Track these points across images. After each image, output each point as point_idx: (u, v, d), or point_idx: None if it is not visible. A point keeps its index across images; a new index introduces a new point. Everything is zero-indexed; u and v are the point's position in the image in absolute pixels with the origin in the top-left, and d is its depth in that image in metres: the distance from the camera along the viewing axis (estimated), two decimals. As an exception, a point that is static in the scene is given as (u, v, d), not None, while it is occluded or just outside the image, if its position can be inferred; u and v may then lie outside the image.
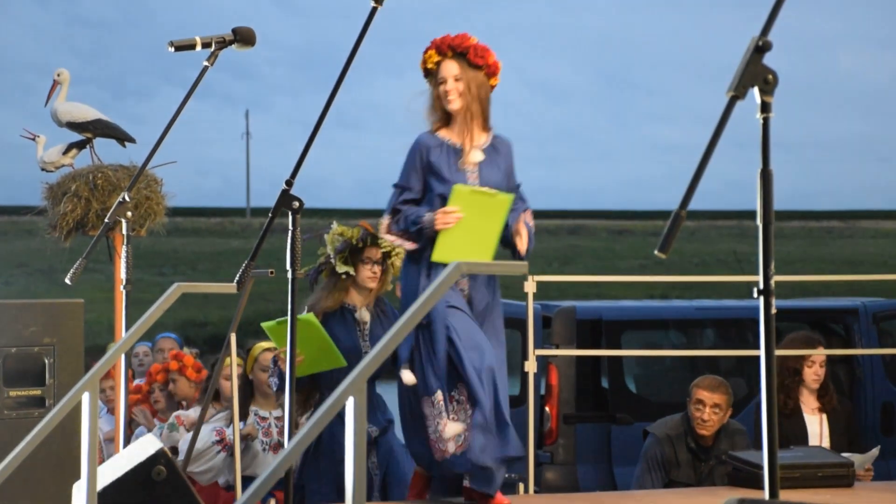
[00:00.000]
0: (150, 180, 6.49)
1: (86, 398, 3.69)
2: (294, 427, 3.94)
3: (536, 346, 5.80)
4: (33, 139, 6.69)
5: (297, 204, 3.82)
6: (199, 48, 4.49)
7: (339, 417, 4.94)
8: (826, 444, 6.26)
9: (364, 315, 5.31)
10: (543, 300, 7.55)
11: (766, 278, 2.42)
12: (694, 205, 2.39)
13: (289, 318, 3.90)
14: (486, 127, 4.85)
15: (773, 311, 2.43)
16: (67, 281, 4.77)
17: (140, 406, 7.07)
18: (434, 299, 2.70)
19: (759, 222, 2.42)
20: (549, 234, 39.69)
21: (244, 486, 5.55)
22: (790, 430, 6.27)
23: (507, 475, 4.89)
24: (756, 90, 2.39)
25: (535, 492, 5.74)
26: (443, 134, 4.82)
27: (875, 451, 5.96)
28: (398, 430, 5.14)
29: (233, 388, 5.72)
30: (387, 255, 5.32)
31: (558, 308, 7.50)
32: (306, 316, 5.05)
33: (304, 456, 5.36)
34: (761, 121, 2.41)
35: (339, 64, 3.94)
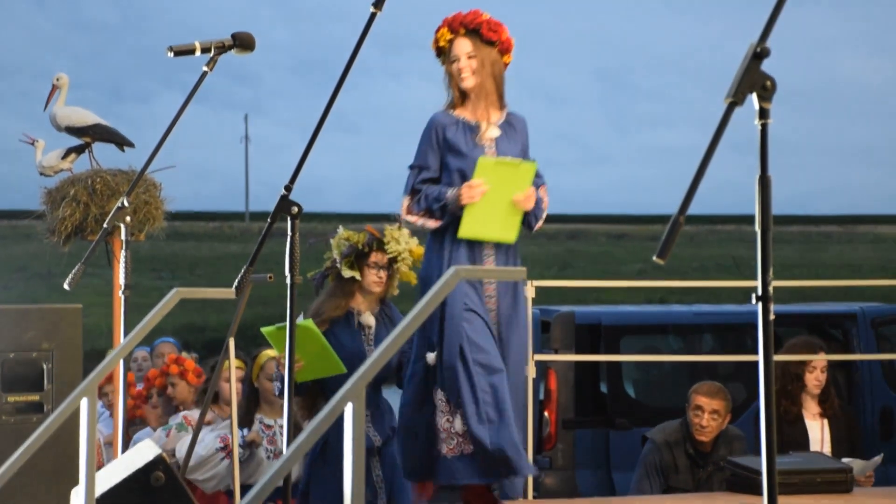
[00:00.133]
0: (149, 185, 6.49)
1: (84, 403, 3.69)
2: (292, 433, 3.93)
3: (535, 351, 5.80)
4: (32, 144, 6.69)
5: (295, 209, 3.82)
6: (198, 53, 4.49)
7: None
8: (827, 449, 6.26)
9: (369, 320, 5.30)
10: (542, 305, 7.55)
11: (765, 284, 2.42)
12: (693, 209, 2.39)
13: (287, 322, 3.90)
14: (500, 104, 4.80)
15: (772, 317, 2.43)
16: (66, 286, 4.77)
17: (138, 411, 7.06)
18: (432, 306, 2.70)
19: (757, 228, 2.42)
20: (548, 239, 39.69)
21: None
22: (792, 435, 6.26)
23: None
24: (754, 96, 2.39)
25: (534, 497, 5.74)
26: (458, 112, 4.76)
27: (877, 459, 5.96)
28: None
29: (231, 391, 5.71)
30: (393, 261, 5.31)
31: (557, 313, 7.50)
32: (305, 322, 5.05)
33: (309, 462, 5.35)
34: (759, 127, 2.41)
35: (338, 68, 3.94)
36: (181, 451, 5.97)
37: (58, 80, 6.63)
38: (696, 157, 2.39)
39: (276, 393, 5.35)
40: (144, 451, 4.18)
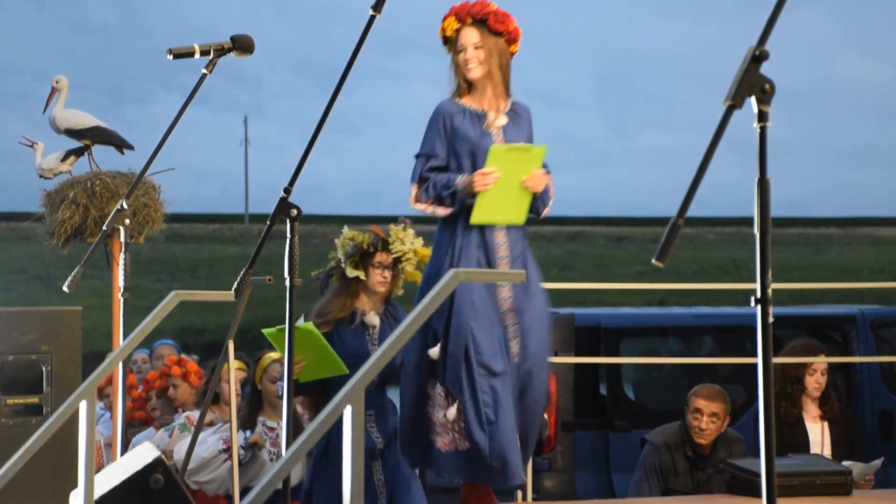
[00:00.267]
0: (149, 187, 6.49)
1: (83, 406, 3.69)
2: (293, 434, 3.93)
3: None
4: (31, 146, 6.69)
5: (295, 212, 3.82)
6: (197, 56, 4.49)
7: None
8: (827, 452, 6.26)
9: (373, 319, 5.29)
10: (542, 307, 7.53)
11: (764, 287, 2.42)
12: (692, 212, 2.39)
13: (286, 325, 3.90)
14: (506, 93, 4.78)
15: (771, 319, 2.44)
16: (65, 288, 4.77)
17: (136, 413, 7.06)
18: (431, 308, 2.70)
19: (756, 231, 2.42)
20: (548, 241, 39.68)
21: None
22: (792, 438, 6.26)
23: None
24: (753, 99, 2.39)
25: (534, 499, 5.74)
26: (464, 101, 4.74)
27: (878, 463, 5.96)
28: None
29: (231, 394, 5.71)
30: (397, 261, 5.30)
31: (557, 315, 7.50)
32: (305, 325, 5.04)
33: (314, 464, 5.35)
34: (758, 130, 2.41)
35: (337, 71, 3.94)
36: (180, 454, 5.97)
37: (57, 82, 6.63)
38: (696, 160, 2.39)
39: (279, 394, 5.35)
40: (143, 453, 4.17)
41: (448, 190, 4.62)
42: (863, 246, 44.57)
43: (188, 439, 6.15)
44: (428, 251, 5.31)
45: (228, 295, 3.94)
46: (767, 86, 2.39)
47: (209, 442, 6.01)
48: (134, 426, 7.00)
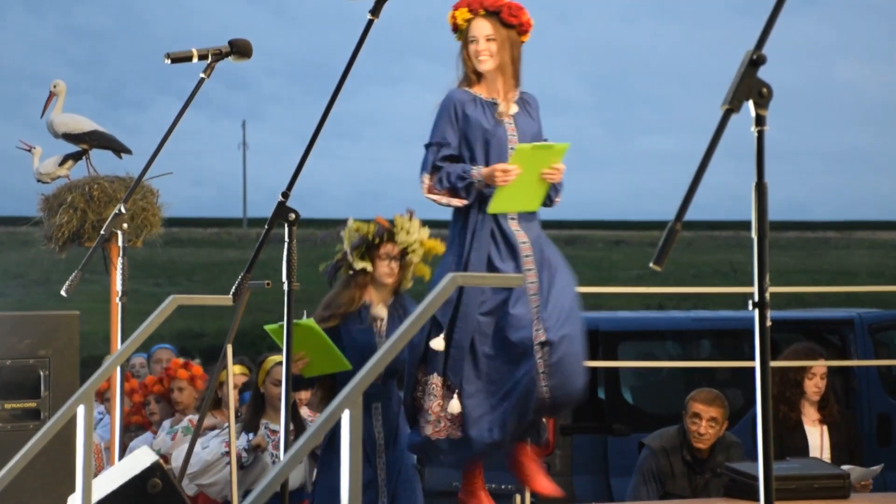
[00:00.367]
0: (146, 191, 6.49)
1: (81, 411, 3.68)
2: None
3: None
4: (29, 150, 6.69)
5: (293, 215, 3.82)
6: (195, 60, 4.49)
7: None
8: (827, 456, 6.26)
9: (381, 312, 5.24)
10: (540, 311, 7.53)
11: (761, 290, 2.42)
12: (690, 215, 2.39)
13: (284, 328, 3.90)
14: (516, 83, 4.74)
15: (769, 323, 2.44)
16: (63, 292, 4.77)
17: (133, 417, 7.05)
18: (429, 311, 2.70)
19: (753, 234, 2.42)
20: (546, 245, 39.57)
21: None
22: (791, 441, 6.26)
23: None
24: (751, 103, 2.39)
25: (532, 503, 5.73)
26: (474, 90, 4.70)
27: (877, 469, 5.96)
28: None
29: (229, 397, 5.71)
30: (405, 252, 5.24)
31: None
32: (306, 322, 5.01)
33: (318, 466, 5.33)
34: (756, 134, 2.41)
35: (335, 75, 3.94)
36: (178, 459, 5.96)
37: (55, 86, 6.63)
38: (694, 164, 2.39)
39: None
40: (141, 457, 4.17)
41: (464, 181, 4.57)
42: (860, 249, 44.57)
43: (197, 441, 6.15)
44: (434, 242, 5.28)
45: (226, 299, 3.94)
46: (765, 90, 2.40)
47: (212, 445, 6.00)
48: (131, 430, 7.00)
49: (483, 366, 4.54)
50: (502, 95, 4.69)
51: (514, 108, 4.71)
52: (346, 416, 2.58)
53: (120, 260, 4.83)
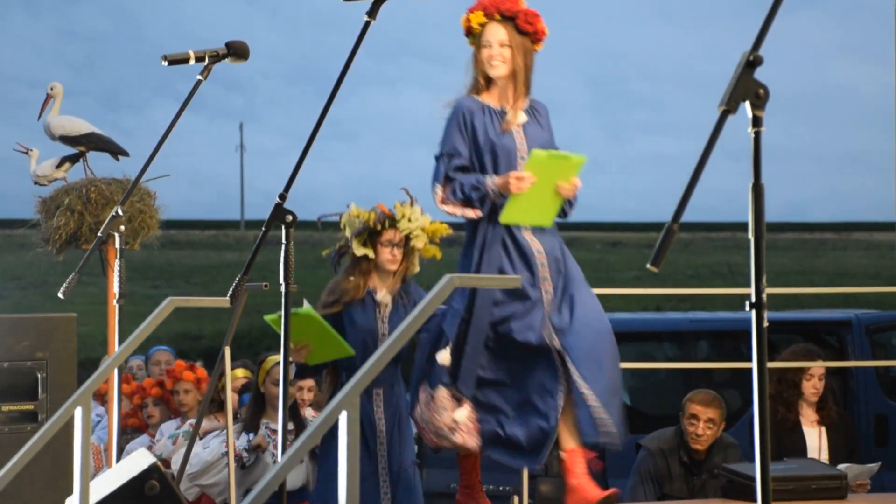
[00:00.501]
0: (144, 193, 6.49)
1: (78, 413, 3.68)
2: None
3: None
4: (26, 153, 6.69)
5: (290, 217, 3.82)
6: (192, 62, 4.49)
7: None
8: (825, 457, 6.26)
9: (385, 298, 5.22)
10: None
11: (758, 292, 2.42)
12: (688, 217, 2.39)
13: (282, 331, 3.89)
14: (526, 93, 4.68)
15: (766, 324, 2.44)
16: (60, 295, 4.77)
17: (130, 420, 7.04)
18: (426, 314, 2.70)
19: (750, 235, 2.43)
20: (543, 247, 39.55)
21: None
22: (790, 442, 6.27)
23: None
24: (748, 104, 2.40)
25: (530, 504, 5.74)
26: (483, 97, 4.65)
27: (874, 467, 5.96)
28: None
29: (227, 399, 5.71)
30: (408, 238, 5.20)
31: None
32: (305, 310, 4.97)
33: (320, 466, 5.32)
34: (752, 135, 2.42)
35: (332, 77, 3.94)
36: (179, 464, 5.96)
37: (52, 89, 6.63)
38: (691, 165, 2.39)
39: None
40: (139, 459, 4.17)
41: (478, 192, 4.52)
42: (858, 251, 44.59)
43: (199, 444, 6.14)
44: (437, 225, 5.24)
45: (224, 301, 3.94)
46: (762, 91, 2.40)
47: (212, 445, 6.00)
48: (127, 433, 6.99)
49: (494, 375, 4.51)
50: (511, 104, 4.64)
51: (523, 118, 4.65)
52: (343, 418, 2.58)
53: (117, 262, 4.83)
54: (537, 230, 4.60)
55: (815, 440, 6.38)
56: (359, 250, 5.15)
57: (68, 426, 3.77)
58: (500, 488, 7.39)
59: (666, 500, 5.98)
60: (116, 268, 4.83)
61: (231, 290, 3.84)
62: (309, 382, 6.36)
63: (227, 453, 6.02)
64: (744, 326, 7.64)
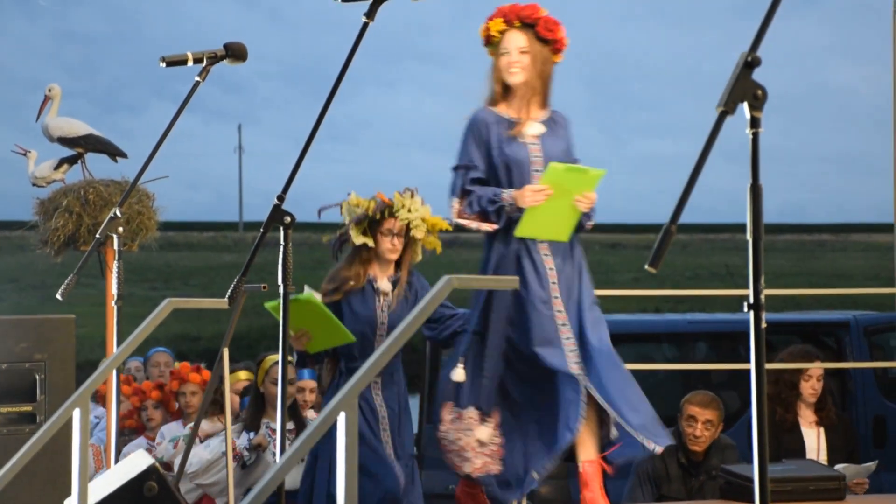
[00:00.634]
0: (142, 195, 6.49)
1: (76, 414, 3.68)
2: (283, 434, 3.92)
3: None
4: (24, 154, 6.69)
5: (288, 219, 3.82)
6: (190, 63, 4.49)
7: (370, 447, 4.91)
8: (823, 458, 6.26)
9: (385, 286, 5.20)
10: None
11: (757, 292, 2.43)
12: (686, 218, 2.39)
13: (280, 331, 3.89)
14: (544, 104, 4.63)
15: (764, 325, 2.44)
16: (59, 296, 4.77)
17: (127, 421, 7.03)
18: (424, 316, 2.69)
19: (748, 237, 2.43)
20: (542, 248, 39.54)
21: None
22: (788, 444, 6.27)
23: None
24: (746, 105, 2.40)
25: (528, 506, 5.73)
26: (500, 109, 4.60)
27: (871, 465, 5.96)
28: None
29: (225, 401, 5.70)
30: (409, 228, 5.15)
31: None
32: (306, 295, 4.94)
33: (325, 467, 5.32)
34: (751, 136, 2.42)
35: (330, 78, 3.94)
36: (178, 467, 5.95)
37: (50, 90, 6.63)
38: (689, 166, 2.40)
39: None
40: (137, 461, 4.17)
41: (494, 205, 4.48)
42: (856, 252, 44.62)
43: (200, 447, 6.14)
44: (437, 219, 5.20)
45: (222, 302, 3.94)
46: (759, 92, 2.40)
47: (213, 444, 6.00)
48: (125, 435, 6.98)
49: (511, 393, 4.48)
50: (530, 115, 4.58)
51: (540, 129, 4.59)
52: (341, 419, 2.58)
53: (116, 264, 4.83)
54: (556, 248, 4.54)
55: (814, 441, 6.38)
56: (358, 239, 5.13)
57: (67, 428, 3.77)
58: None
59: (664, 501, 5.98)
60: (115, 269, 4.83)
61: (229, 291, 3.84)
62: (311, 383, 6.36)
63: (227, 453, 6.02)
64: (742, 328, 7.64)
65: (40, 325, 5.48)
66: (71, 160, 6.64)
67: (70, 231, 6.38)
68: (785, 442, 6.26)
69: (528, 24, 4.55)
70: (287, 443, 6.09)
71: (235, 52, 4.51)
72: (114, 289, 4.82)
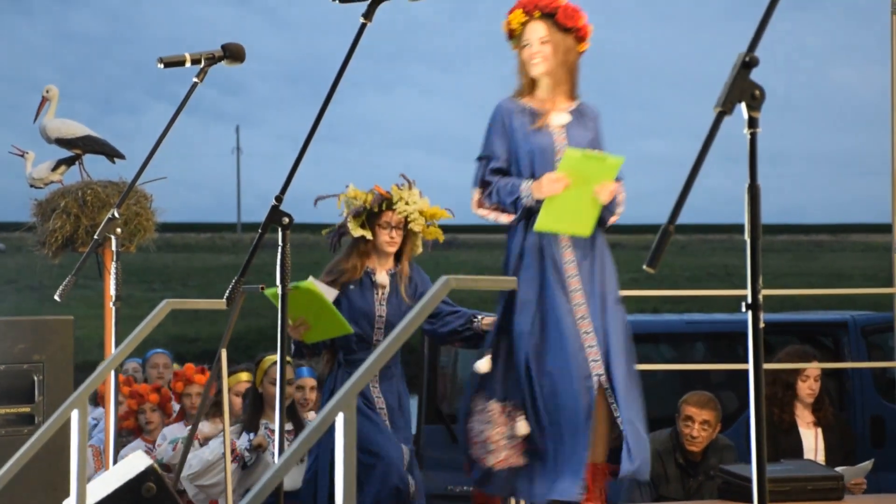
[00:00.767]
0: (140, 196, 6.48)
1: (75, 415, 3.68)
2: (281, 434, 3.92)
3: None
4: (22, 155, 6.69)
5: (286, 220, 3.82)
6: (188, 64, 4.49)
7: (370, 420, 4.90)
8: (821, 458, 6.26)
9: (383, 279, 5.18)
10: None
11: (755, 293, 2.43)
12: (684, 219, 2.39)
13: (279, 334, 3.89)
14: (572, 95, 4.55)
15: (762, 325, 2.44)
16: (57, 297, 4.76)
17: (125, 422, 7.03)
18: (422, 316, 2.70)
19: (746, 237, 2.43)
20: (540, 249, 39.51)
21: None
22: (786, 444, 6.27)
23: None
24: (743, 105, 2.40)
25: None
26: (525, 100, 4.53)
27: (867, 465, 5.96)
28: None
29: (224, 401, 5.70)
30: (408, 221, 5.12)
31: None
32: (306, 283, 4.94)
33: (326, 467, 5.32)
34: (748, 136, 2.42)
35: (328, 79, 3.94)
36: (198, 459, 5.95)
37: (47, 91, 6.63)
38: (687, 167, 2.40)
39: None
40: (136, 462, 4.17)
41: (512, 196, 4.41)
42: (854, 252, 44.62)
43: (194, 452, 6.14)
44: (436, 209, 5.18)
45: (220, 303, 3.94)
46: (757, 92, 2.40)
47: (212, 445, 6.00)
48: (123, 436, 6.97)
49: (537, 386, 4.40)
50: (556, 105, 4.51)
51: (566, 119, 4.51)
52: (339, 420, 2.58)
53: (114, 265, 4.83)
54: (576, 240, 4.46)
55: (812, 441, 6.38)
56: (356, 231, 5.12)
57: (65, 429, 3.77)
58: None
59: (662, 501, 5.98)
60: (113, 270, 4.83)
61: (227, 292, 3.84)
62: (310, 381, 6.35)
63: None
64: (740, 328, 7.61)
65: (38, 326, 5.48)
66: (69, 161, 6.63)
67: (68, 232, 6.38)
68: (782, 442, 6.26)
69: (548, 14, 4.48)
70: (286, 443, 6.09)
71: (233, 54, 4.51)
72: (112, 290, 4.82)
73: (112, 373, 4.64)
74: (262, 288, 4.38)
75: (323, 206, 5.29)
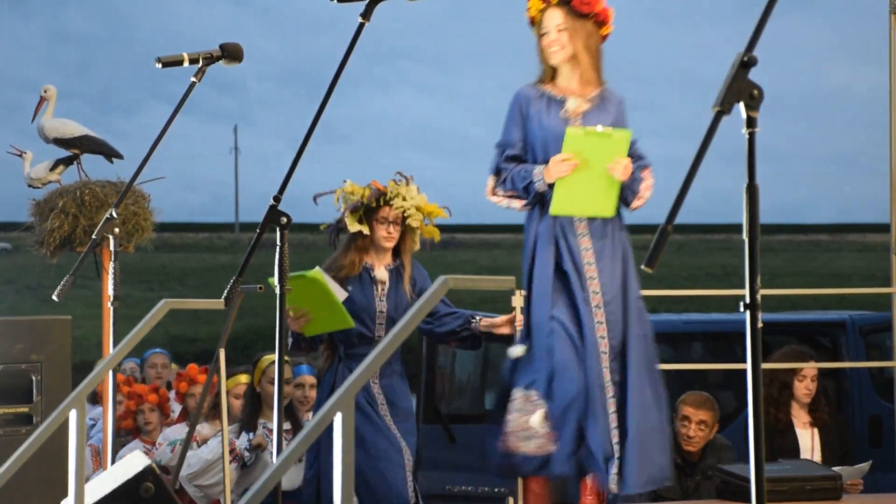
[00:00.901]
0: (138, 196, 6.48)
1: (73, 415, 3.68)
2: (279, 434, 3.92)
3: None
4: (20, 155, 6.68)
5: (284, 219, 3.82)
6: (186, 64, 4.49)
7: (370, 419, 4.90)
8: (818, 458, 6.26)
9: (382, 275, 5.17)
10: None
11: (753, 292, 2.43)
12: (682, 218, 2.40)
13: (277, 332, 3.89)
14: (597, 80, 4.50)
15: (760, 324, 2.44)
16: (55, 297, 4.76)
17: (123, 422, 7.03)
18: (422, 314, 2.70)
19: (745, 237, 2.43)
20: (538, 249, 39.53)
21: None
22: (782, 444, 6.27)
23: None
24: (742, 105, 2.40)
25: (524, 506, 5.73)
26: (545, 86, 4.49)
27: (865, 466, 5.96)
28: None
29: (222, 401, 5.70)
30: (405, 216, 5.10)
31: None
32: (312, 273, 4.89)
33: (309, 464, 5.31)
34: (747, 136, 2.42)
35: (326, 79, 3.94)
36: (197, 460, 5.94)
37: (45, 91, 6.63)
38: (685, 167, 2.40)
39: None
40: (134, 462, 4.17)
41: (525, 181, 4.37)
42: (852, 252, 44.64)
43: (199, 452, 6.13)
44: (434, 207, 5.15)
45: (218, 303, 3.94)
46: (756, 91, 2.40)
47: (212, 444, 5.99)
48: (121, 436, 6.97)
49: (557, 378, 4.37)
50: (577, 92, 4.46)
51: (586, 105, 4.46)
52: (338, 419, 2.58)
53: (112, 265, 4.82)
54: (593, 228, 4.40)
55: (808, 441, 6.38)
56: (353, 226, 5.11)
57: (63, 429, 3.77)
58: (496, 490, 7.40)
59: (660, 501, 5.98)
60: (111, 270, 4.82)
61: (225, 292, 3.84)
62: (310, 379, 6.34)
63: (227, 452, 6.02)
64: (738, 328, 7.64)
65: (36, 326, 5.48)
66: (67, 161, 6.63)
67: (66, 232, 6.38)
68: (779, 442, 6.26)
69: (565, 1, 4.45)
70: (284, 443, 6.09)
71: (231, 53, 4.51)
72: (110, 290, 4.81)
73: (110, 373, 4.63)
74: (261, 288, 4.38)
75: (322, 205, 5.28)
